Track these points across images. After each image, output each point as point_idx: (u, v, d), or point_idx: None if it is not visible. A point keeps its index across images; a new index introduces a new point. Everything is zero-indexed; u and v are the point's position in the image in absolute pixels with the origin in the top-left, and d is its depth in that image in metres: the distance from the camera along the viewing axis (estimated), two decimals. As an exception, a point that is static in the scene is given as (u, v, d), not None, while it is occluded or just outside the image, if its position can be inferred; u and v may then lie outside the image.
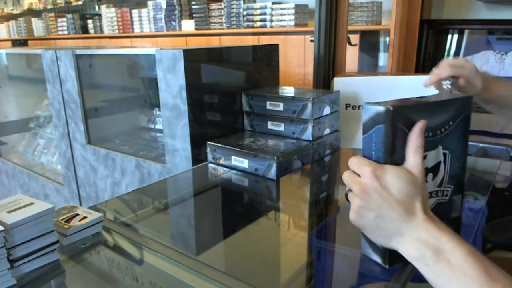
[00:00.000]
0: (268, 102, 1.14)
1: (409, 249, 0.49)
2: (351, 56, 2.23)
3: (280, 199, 0.92)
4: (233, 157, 1.03)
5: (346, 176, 0.55)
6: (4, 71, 2.34)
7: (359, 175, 0.53)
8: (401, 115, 0.52)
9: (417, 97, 0.59)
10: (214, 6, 3.32)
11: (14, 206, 0.59)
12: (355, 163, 0.54)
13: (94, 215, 0.70)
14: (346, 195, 0.56)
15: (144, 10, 3.84)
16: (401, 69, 2.15)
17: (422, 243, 0.48)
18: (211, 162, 1.10)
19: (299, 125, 1.08)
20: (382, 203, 0.50)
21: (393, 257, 0.55)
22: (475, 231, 0.69)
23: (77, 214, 0.70)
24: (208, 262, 0.62)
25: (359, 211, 0.52)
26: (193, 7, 3.45)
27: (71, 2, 4.68)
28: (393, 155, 0.53)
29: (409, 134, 0.53)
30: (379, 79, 1.20)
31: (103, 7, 4.23)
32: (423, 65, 2.25)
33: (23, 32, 5.41)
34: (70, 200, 1.80)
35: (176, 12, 3.54)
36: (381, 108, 0.52)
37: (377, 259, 0.57)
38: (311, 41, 1.38)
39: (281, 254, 0.70)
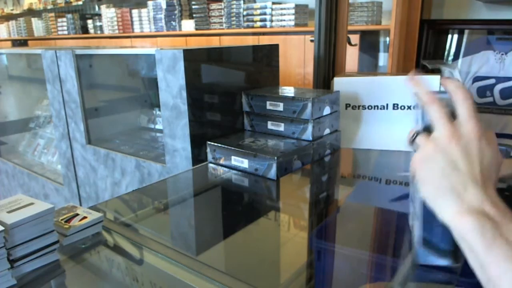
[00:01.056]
0: (268, 102, 1.14)
1: (467, 221, 0.43)
2: (351, 56, 2.24)
3: (280, 199, 0.92)
4: (233, 157, 1.03)
5: (436, 110, 0.48)
6: (4, 71, 2.34)
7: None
8: None
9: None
10: (214, 6, 3.32)
11: (14, 206, 0.59)
12: (468, 109, 0.47)
13: (94, 215, 0.70)
14: (414, 137, 0.49)
15: (144, 10, 3.84)
16: (401, 69, 2.15)
17: (484, 215, 0.43)
18: (211, 162, 1.10)
19: (299, 125, 1.08)
20: (473, 153, 0.46)
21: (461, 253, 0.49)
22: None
23: (77, 214, 0.70)
24: (208, 262, 0.62)
25: (434, 155, 0.47)
26: (193, 7, 3.45)
27: (71, 2, 4.68)
28: None
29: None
30: (379, 79, 1.20)
31: (103, 7, 4.23)
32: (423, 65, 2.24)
33: (23, 32, 5.41)
34: (70, 200, 1.80)
35: (176, 12, 3.54)
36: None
37: (444, 262, 0.54)
38: (311, 41, 1.38)
39: (281, 254, 0.70)
